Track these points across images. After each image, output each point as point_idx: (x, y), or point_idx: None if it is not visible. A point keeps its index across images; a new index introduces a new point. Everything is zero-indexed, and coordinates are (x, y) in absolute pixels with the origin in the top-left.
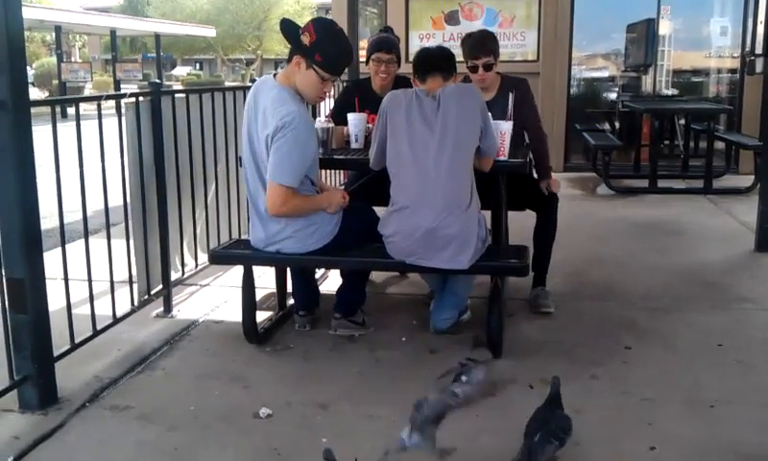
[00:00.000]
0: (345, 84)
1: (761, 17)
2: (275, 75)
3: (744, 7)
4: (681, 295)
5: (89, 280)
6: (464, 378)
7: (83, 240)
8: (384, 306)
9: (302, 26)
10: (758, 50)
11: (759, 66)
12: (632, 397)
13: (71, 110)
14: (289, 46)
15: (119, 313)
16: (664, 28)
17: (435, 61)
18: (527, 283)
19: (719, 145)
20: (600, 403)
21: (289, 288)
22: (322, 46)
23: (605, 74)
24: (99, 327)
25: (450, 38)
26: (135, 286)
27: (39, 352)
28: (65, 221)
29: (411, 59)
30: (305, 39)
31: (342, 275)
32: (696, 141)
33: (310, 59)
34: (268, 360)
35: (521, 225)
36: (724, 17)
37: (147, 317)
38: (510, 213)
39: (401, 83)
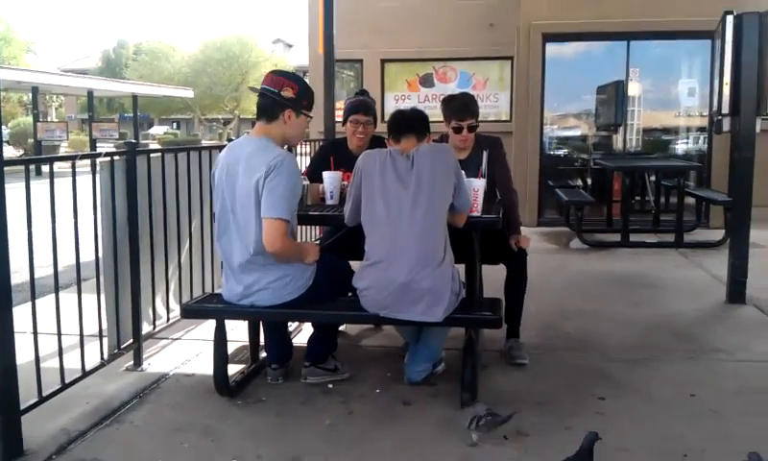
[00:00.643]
0: (321, 144)
1: (726, 79)
2: (247, 133)
3: (711, 68)
4: (654, 346)
5: (59, 334)
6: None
7: (53, 294)
8: (358, 358)
9: (270, 82)
10: (725, 110)
11: (726, 126)
12: (606, 447)
13: (46, 168)
14: None
15: (88, 367)
16: (633, 89)
17: (409, 123)
18: (502, 335)
19: (690, 200)
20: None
21: (262, 341)
22: (304, 93)
23: (577, 133)
24: (68, 381)
25: (425, 100)
26: (106, 340)
27: (5, 405)
28: (37, 276)
29: (386, 119)
30: (289, 93)
31: (313, 324)
32: (667, 197)
33: (299, 107)
34: (239, 413)
35: (496, 278)
36: (691, 79)
37: (117, 370)
38: (484, 266)
39: (377, 143)
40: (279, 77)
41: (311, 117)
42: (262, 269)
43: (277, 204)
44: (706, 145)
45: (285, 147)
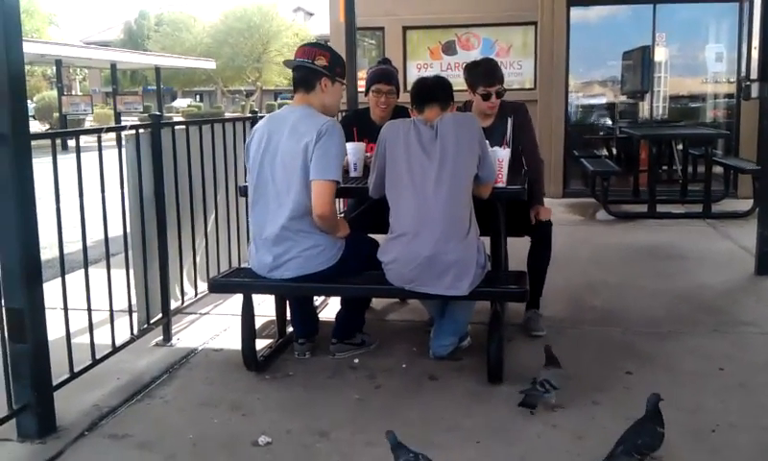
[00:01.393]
0: (343, 115)
1: (755, 43)
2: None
3: (738, 33)
4: (681, 319)
5: (89, 310)
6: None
7: (83, 270)
8: (384, 333)
9: (303, 54)
10: (753, 75)
11: (755, 91)
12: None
13: (72, 143)
14: (288, 78)
15: (118, 342)
16: (660, 55)
17: (432, 92)
18: (524, 306)
19: (717, 169)
20: (602, 428)
21: (289, 316)
22: (336, 60)
23: (602, 101)
24: (98, 356)
25: (448, 68)
26: (135, 315)
27: (38, 381)
28: (66, 251)
29: (409, 89)
30: (322, 62)
31: (341, 301)
32: (694, 166)
33: (333, 74)
34: (267, 388)
35: (521, 250)
36: (719, 43)
37: (146, 346)
38: (509, 239)
39: (400, 113)
40: (311, 48)
41: (345, 84)
42: (295, 237)
43: (330, 166)
44: (734, 112)
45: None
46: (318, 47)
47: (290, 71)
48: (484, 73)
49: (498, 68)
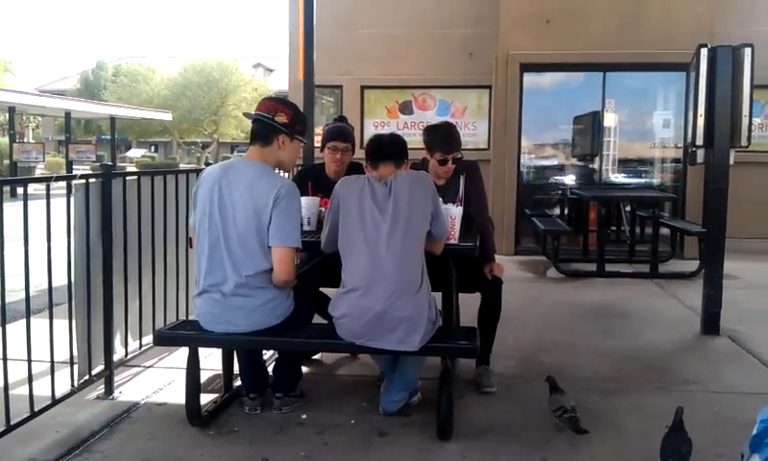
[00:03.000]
0: (298, 169)
1: (701, 111)
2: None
3: (685, 100)
4: (628, 377)
5: (29, 360)
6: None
7: (24, 319)
8: (334, 388)
9: (265, 108)
10: (699, 142)
11: (701, 157)
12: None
13: (21, 190)
14: (245, 131)
15: (58, 394)
16: (609, 120)
17: (387, 149)
18: (474, 362)
19: (664, 231)
20: None
21: (236, 370)
22: (297, 118)
23: (553, 162)
24: (37, 409)
25: (404, 127)
26: (76, 367)
27: None
28: (8, 300)
29: (365, 145)
30: (283, 118)
31: (281, 355)
32: (642, 227)
33: (293, 131)
34: (211, 444)
35: (472, 307)
36: (666, 110)
37: (88, 398)
38: (460, 295)
39: (355, 169)
40: (273, 103)
41: (305, 142)
42: (253, 292)
43: (290, 232)
44: (680, 176)
45: (282, 173)
46: (280, 103)
47: (248, 124)
48: (442, 140)
49: (457, 135)
